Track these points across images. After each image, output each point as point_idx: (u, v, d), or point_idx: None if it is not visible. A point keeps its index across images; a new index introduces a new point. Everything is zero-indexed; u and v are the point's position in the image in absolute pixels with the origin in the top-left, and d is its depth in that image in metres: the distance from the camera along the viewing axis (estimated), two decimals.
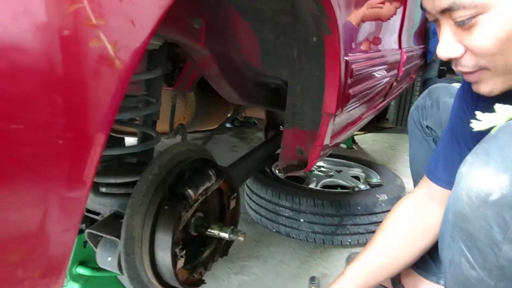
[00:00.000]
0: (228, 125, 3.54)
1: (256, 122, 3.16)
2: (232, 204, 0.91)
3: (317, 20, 0.93)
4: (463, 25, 0.68)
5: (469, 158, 0.71)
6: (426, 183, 1.01)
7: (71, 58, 0.43)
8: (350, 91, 1.08)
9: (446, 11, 0.68)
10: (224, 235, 0.81)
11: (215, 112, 1.59)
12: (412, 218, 1.01)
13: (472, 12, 0.65)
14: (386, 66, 1.50)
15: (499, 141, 0.65)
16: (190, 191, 0.75)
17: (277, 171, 1.87)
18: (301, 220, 1.54)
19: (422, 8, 0.76)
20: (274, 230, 1.63)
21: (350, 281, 0.98)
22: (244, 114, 1.96)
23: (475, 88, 0.76)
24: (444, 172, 0.97)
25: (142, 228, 0.73)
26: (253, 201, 1.70)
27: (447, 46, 0.72)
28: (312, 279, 1.31)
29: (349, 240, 1.52)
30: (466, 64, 0.72)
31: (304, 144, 1.21)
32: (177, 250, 0.74)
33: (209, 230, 0.82)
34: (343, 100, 1.06)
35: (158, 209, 0.73)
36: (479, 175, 0.65)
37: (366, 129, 3.25)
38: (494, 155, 0.64)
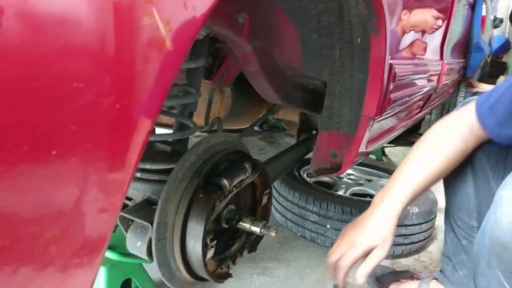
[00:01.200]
0: (256, 128, 3.54)
1: (285, 127, 3.15)
2: (264, 200, 0.90)
3: (364, 20, 0.91)
4: None
5: (510, 181, 0.67)
6: (473, 119, 0.93)
7: (123, 34, 0.43)
8: (391, 95, 1.06)
9: None
10: (256, 229, 0.80)
11: (249, 111, 1.59)
12: (458, 139, 0.95)
13: None
14: (427, 75, 1.47)
15: None
16: (225, 181, 0.74)
17: (305, 175, 1.85)
18: (328, 226, 1.51)
19: None
20: (299, 234, 1.61)
21: (411, 183, 0.93)
22: (277, 115, 1.95)
23: None
24: (497, 122, 0.89)
25: (176, 215, 0.72)
26: (280, 204, 1.69)
27: None
28: (336, 287, 1.28)
29: None
30: None
31: (339, 148, 1.19)
32: (208, 240, 0.73)
33: (240, 223, 0.81)
34: (384, 104, 1.04)
35: (192, 197, 0.73)
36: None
37: (397, 142, 3.19)
38: None
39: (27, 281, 0.44)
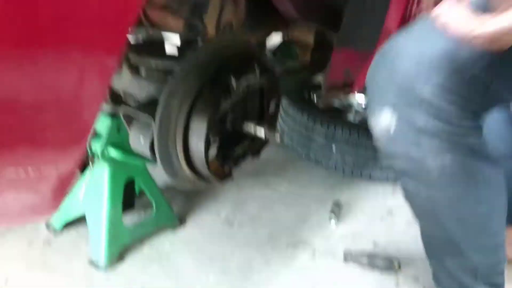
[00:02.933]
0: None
1: (298, 53, 3.03)
2: (272, 107, 0.87)
3: None
4: None
5: None
6: None
7: None
8: (417, 10, 0.99)
9: None
10: (260, 133, 0.78)
11: (263, 25, 1.51)
12: None
13: None
14: None
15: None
16: (232, 79, 0.71)
17: (315, 99, 1.81)
18: (333, 148, 1.50)
19: None
20: (304, 155, 1.61)
21: None
22: (291, 34, 1.87)
23: None
24: None
25: (179, 110, 0.71)
26: (287, 124, 1.67)
27: None
28: (336, 202, 1.30)
29: (378, 175, 1.48)
30: None
31: (354, 66, 1.15)
32: (211, 137, 0.72)
33: (245, 125, 0.79)
34: (408, 19, 0.98)
35: (197, 93, 0.70)
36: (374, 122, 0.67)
37: None
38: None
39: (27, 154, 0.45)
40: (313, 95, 1.84)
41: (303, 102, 1.64)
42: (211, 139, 0.72)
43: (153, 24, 0.89)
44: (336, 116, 1.60)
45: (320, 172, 1.55)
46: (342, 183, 1.49)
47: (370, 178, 1.49)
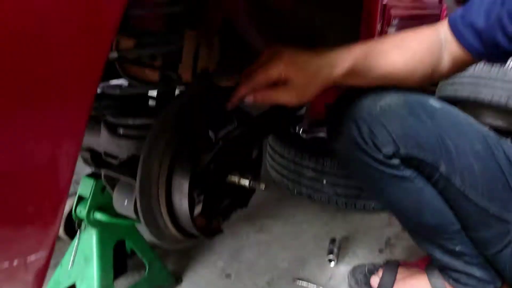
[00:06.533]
0: None
1: None
2: (254, 153, 0.86)
3: None
4: None
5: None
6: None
7: None
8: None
9: None
10: (245, 182, 0.76)
11: (238, 64, 1.52)
12: (430, 49, 0.79)
13: None
14: (424, 20, 1.40)
15: None
16: (210, 133, 0.70)
17: (301, 132, 1.81)
18: (324, 181, 1.48)
19: None
20: (295, 191, 1.58)
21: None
22: None
23: None
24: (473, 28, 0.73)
25: (160, 168, 0.69)
26: (275, 161, 1.65)
27: None
28: (333, 240, 1.27)
29: (372, 205, 1.46)
30: None
31: (334, 100, 1.15)
32: (195, 195, 0.70)
33: (228, 177, 0.77)
34: None
35: (175, 149, 0.69)
36: None
37: None
38: None
39: None
40: (298, 128, 1.84)
41: (289, 137, 1.64)
42: (195, 195, 0.70)
43: (131, 77, 0.88)
44: (324, 147, 1.59)
45: (314, 208, 1.53)
46: (337, 217, 1.46)
47: (364, 208, 1.47)
